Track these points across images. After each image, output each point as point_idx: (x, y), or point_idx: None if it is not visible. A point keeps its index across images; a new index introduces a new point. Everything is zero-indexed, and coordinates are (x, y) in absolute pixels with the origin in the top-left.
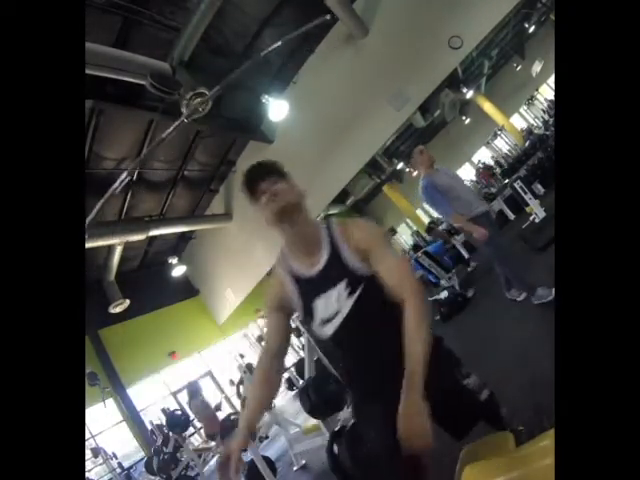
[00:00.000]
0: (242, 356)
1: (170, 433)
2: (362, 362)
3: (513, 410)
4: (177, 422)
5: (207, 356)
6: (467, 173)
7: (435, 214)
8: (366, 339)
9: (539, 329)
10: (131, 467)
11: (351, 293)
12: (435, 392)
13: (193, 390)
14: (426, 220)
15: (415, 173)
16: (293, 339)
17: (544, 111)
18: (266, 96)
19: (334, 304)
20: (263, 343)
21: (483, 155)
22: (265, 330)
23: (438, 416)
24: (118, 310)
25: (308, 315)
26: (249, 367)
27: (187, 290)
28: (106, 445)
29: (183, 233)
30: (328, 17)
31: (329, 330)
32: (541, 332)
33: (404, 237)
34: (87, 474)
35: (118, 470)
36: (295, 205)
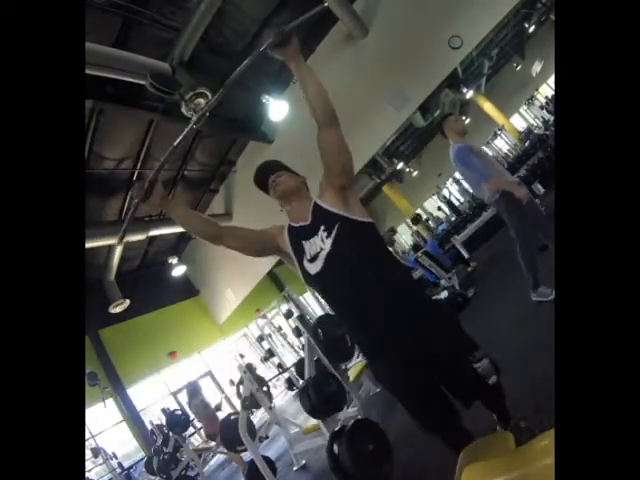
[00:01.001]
0: (242, 356)
1: (170, 433)
2: (347, 298)
3: (513, 409)
4: (177, 422)
5: (207, 356)
6: None
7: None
8: (347, 275)
9: (539, 329)
10: (131, 467)
11: (329, 235)
12: (448, 369)
13: (193, 390)
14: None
15: (417, 170)
16: (293, 339)
17: (542, 107)
18: (266, 96)
19: (317, 244)
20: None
21: None
22: (244, 228)
23: (451, 389)
24: (118, 310)
25: (299, 253)
26: (249, 367)
27: (187, 290)
28: (106, 445)
29: (183, 233)
30: (326, 3)
31: (317, 266)
32: (541, 332)
33: (404, 237)
34: (87, 474)
35: (118, 470)
36: (292, 189)
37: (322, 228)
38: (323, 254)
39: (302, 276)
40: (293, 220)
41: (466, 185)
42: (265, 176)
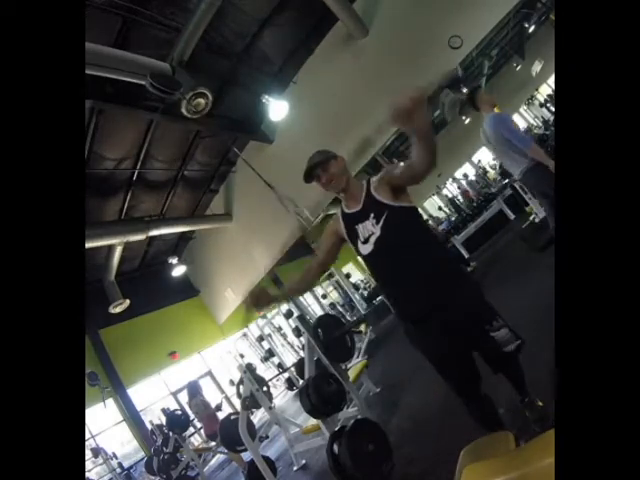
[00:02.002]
0: (242, 356)
1: (170, 433)
2: (392, 274)
3: (511, 408)
4: (177, 422)
5: (207, 356)
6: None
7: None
8: (394, 255)
9: (539, 329)
10: (131, 467)
11: (377, 222)
12: (468, 337)
13: (193, 389)
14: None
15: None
16: (293, 339)
17: (541, 105)
18: (266, 96)
19: (369, 229)
20: (316, 254)
21: (483, 155)
22: (320, 245)
23: (478, 353)
24: (118, 310)
25: (354, 236)
26: (249, 367)
27: (187, 290)
28: (106, 445)
29: (183, 233)
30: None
31: (369, 248)
32: (541, 331)
33: None
34: (87, 474)
35: (118, 470)
36: (346, 183)
37: (372, 215)
38: (373, 238)
39: (357, 254)
40: (347, 206)
41: (468, 180)
42: (312, 173)
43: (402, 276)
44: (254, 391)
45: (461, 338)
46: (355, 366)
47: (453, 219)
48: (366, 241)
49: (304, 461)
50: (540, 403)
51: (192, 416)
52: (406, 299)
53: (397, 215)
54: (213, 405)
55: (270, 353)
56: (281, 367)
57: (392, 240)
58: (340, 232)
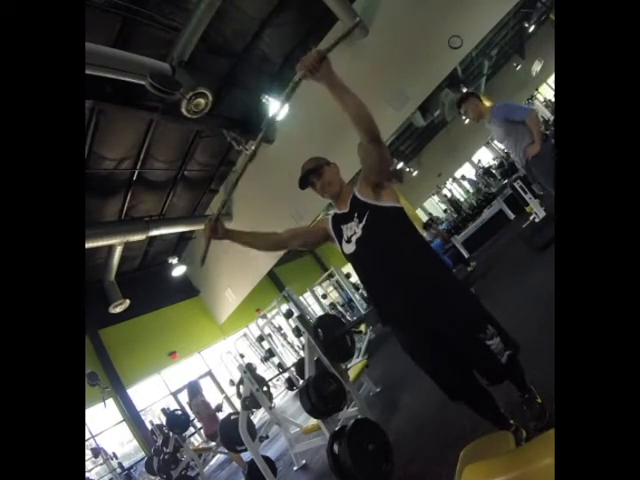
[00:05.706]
0: (242, 356)
1: (170, 433)
2: (372, 274)
3: (510, 407)
4: (177, 422)
5: (207, 356)
6: (467, 173)
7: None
8: (374, 257)
9: (539, 328)
10: (131, 467)
11: (360, 221)
12: (465, 348)
13: (193, 389)
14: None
15: (417, 170)
16: (293, 339)
17: (547, 106)
18: (266, 96)
19: (352, 229)
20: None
21: (483, 155)
22: (299, 228)
23: (475, 367)
24: (118, 310)
25: (339, 235)
26: (249, 367)
27: (187, 290)
28: (106, 445)
29: (183, 233)
30: (357, 18)
31: (352, 247)
32: (541, 331)
33: None
34: (87, 474)
35: (118, 470)
36: (339, 188)
37: (356, 215)
38: (355, 238)
39: (342, 253)
40: (337, 208)
41: (466, 184)
42: (307, 179)
43: (382, 277)
44: (254, 391)
45: (451, 347)
46: (355, 366)
47: (452, 219)
48: (349, 240)
49: (304, 461)
50: (539, 400)
51: (192, 416)
52: (385, 301)
53: (379, 215)
54: (213, 405)
55: (270, 353)
56: (281, 367)
57: (373, 240)
58: (328, 229)
